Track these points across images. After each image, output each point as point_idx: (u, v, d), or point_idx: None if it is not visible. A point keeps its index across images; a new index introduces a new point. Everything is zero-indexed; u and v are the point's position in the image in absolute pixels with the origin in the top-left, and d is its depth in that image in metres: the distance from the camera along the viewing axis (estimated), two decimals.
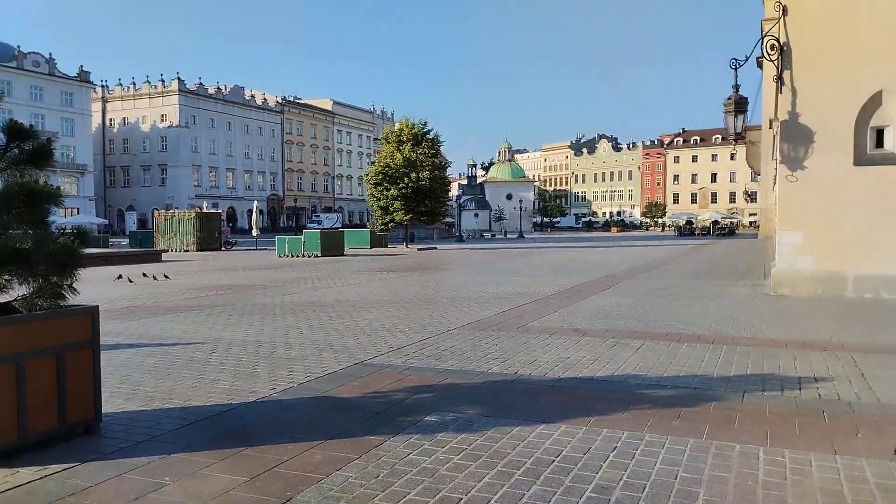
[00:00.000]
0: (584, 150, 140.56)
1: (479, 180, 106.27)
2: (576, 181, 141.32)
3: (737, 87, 13.97)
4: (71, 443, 4.46)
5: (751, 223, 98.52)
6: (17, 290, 4.58)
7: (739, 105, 13.98)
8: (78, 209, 67.86)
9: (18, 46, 66.55)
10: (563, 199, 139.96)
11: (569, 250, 34.55)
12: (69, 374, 4.51)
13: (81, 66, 72.74)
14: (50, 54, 69.22)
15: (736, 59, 14.05)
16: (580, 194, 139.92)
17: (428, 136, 39.74)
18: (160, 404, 5.44)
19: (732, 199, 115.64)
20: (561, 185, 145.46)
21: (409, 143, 38.31)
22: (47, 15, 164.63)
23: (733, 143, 17.76)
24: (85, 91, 73.01)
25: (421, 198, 37.17)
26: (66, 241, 4.65)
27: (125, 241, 43.55)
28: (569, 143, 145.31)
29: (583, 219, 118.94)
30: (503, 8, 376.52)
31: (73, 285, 4.73)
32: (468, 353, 7.45)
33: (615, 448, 4.32)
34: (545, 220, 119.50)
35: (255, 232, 41.24)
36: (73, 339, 4.59)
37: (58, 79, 69.51)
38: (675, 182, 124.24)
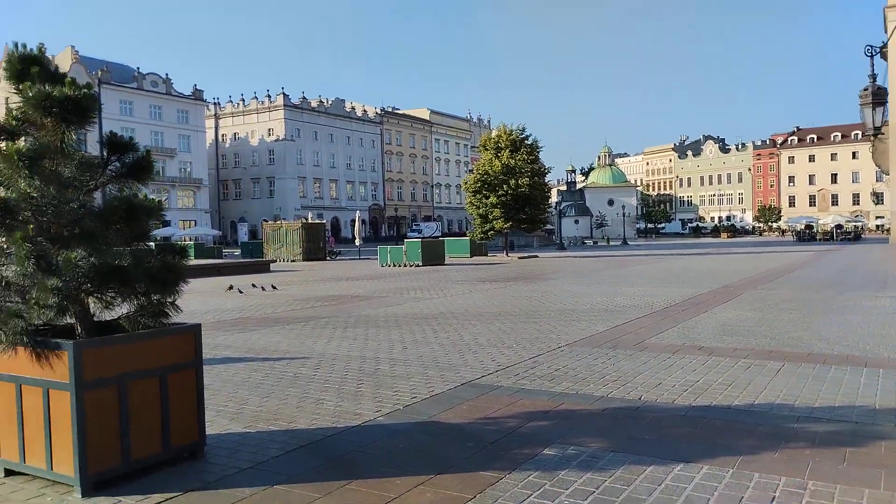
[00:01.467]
0: (689, 153, 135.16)
1: (578, 186, 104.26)
2: (680, 185, 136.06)
3: (873, 76, 12.65)
4: (175, 468, 4.28)
5: (878, 227, 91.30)
6: (122, 308, 4.47)
7: (878, 96, 12.64)
8: (195, 221, 71.72)
9: (138, 68, 71.20)
10: (668, 204, 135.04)
11: (678, 258, 32.94)
12: (172, 397, 4.34)
13: (195, 85, 77.05)
14: (167, 74, 73.67)
15: (872, 46, 12.76)
16: (685, 199, 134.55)
17: (526, 141, 39.11)
18: (265, 426, 5.23)
19: (856, 200, 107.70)
20: (665, 189, 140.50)
21: (507, 150, 37.84)
22: (164, 37, 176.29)
23: (872, 138, 16.16)
24: (199, 108, 77.22)
25: (520, 205, 36.59)
26: (167, 257, 4.52)
27: (237, 252, 45.43)
28: (672, 146, 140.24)
29: (689, 224, 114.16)
30: (601, 7, 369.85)
31: (176, 302, 4.59)
32: (583, 373, 6.88)
33: (774, 499, 3.67)
34: (649, 226, 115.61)
35: (357, 241, 41.96)
36: (175, 359, 4.42)
37: (174, 98, 73.82)
38: (791, 184, 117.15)
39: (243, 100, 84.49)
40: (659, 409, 5.54)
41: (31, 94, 4.03)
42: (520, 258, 34.98)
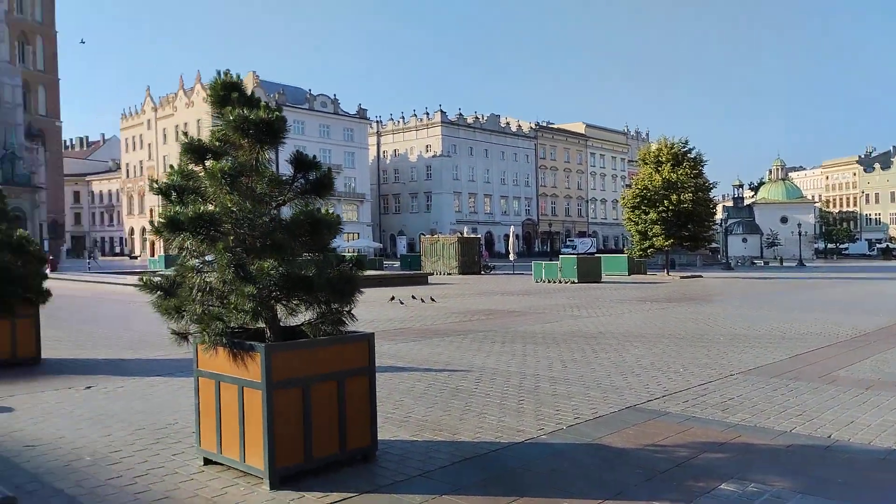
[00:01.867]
0: (877, 166, 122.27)
1: (747, 202, 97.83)
2: (867, 201, 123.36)
3: None
4: (349, 470, 4.48)
5: None
6: (303, 316, 4.76)
7: None
8: (358, 234, 75.58)
9: (309, 90, 76.53)
10: (852, 223, 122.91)
11: (866, 282, 29.83)
12: (349, 401, 4.56)
13: (360, 105, 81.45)
14: (334, 95, 78.51)
15: None
16: (872, 217, 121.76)
17: (689, 155, 37.34)
18: (430, 436, 5.34)
19: None
20: (847, 205, 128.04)
21: (668, 164, 36.31)
22: (333, 61, 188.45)
23: None
24: (363, 127, 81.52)
25: (683, 221, 34.90)
26: (345, 268, 4.77)
27: (397, 264, 47.25)
28: (856, 158, 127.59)
29: (877, 245, 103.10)
30: (772, 6, 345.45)
31: (352, 311, 4.83)
32: (761, 405, 6.38)
33: None
34: (829, 246, 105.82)
35: (511, 256, 42.11)
36: (352, 365, 4.65)
37: (341, 117, 78.48)
38: None
39: (403, 117, 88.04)
40: (852, 449, 5.00)
41: (231, 118, 4.44)
42: (682, 277, 33.34)
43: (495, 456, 4.84)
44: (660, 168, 36.26)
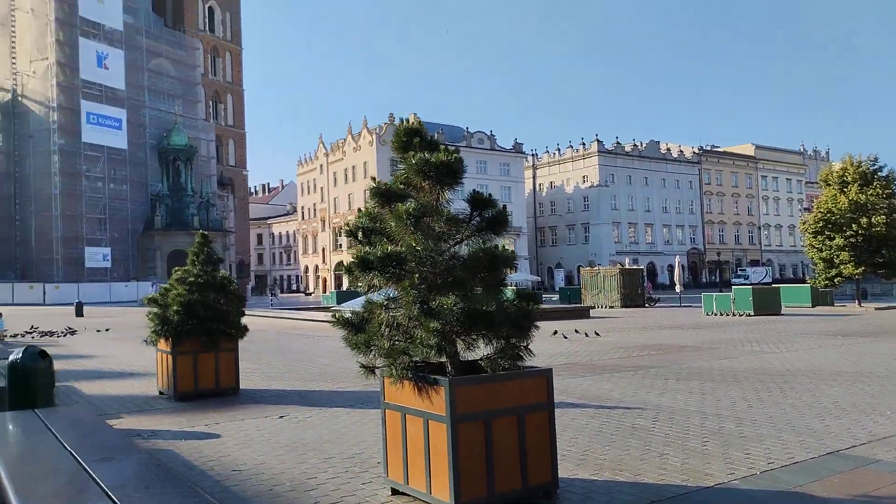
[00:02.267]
0: None
1: None
2: None
3: None
4: None
5: None
6: (480, 350, 4.86)
7: None
8: (516, 267, 75.86)
9: (467, 127, 78.74)
10: None
11: None
12: (529, 436, 4.57)
13: (515, 139, 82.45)
14: (490, 131, 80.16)
15: None
16: None
17: (880, 173, 33.83)
18: (611, 475, 5.20)
19: None
20: None
21: (855, 184, 33.09)
22: (488, 97, 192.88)
23: None
24: (518, 161, 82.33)
25: (875, 247, 31.52)
26: (522, 303, 4.83)
27: (555, 297, 46.80)
28: None
29: None
30: None
31: (529, 346, 4.86)
32: None
33: None
34: None
35: (678, 288, 40.23)
36: (531, 400, 4.67)
37: (497, 152, 79.84)
38: None
39: (559, 149, 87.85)
40: None
41: (414, 162, 4.70)
42: (877, 309, 30.03)
43: (684, 500, 4.61)
44: (845, 189, 33.17)
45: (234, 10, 70.79)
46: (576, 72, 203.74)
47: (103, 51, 55.36)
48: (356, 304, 27.67)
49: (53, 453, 4.87)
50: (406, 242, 4.52)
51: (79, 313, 32.65)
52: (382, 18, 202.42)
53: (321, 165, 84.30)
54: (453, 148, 4.79)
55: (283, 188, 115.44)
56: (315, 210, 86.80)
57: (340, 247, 78.87)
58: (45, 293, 49.74)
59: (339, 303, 37.94)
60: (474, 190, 4.80)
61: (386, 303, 4.63)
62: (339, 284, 75.09)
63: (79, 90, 53.70)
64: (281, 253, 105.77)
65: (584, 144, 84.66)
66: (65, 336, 21.02)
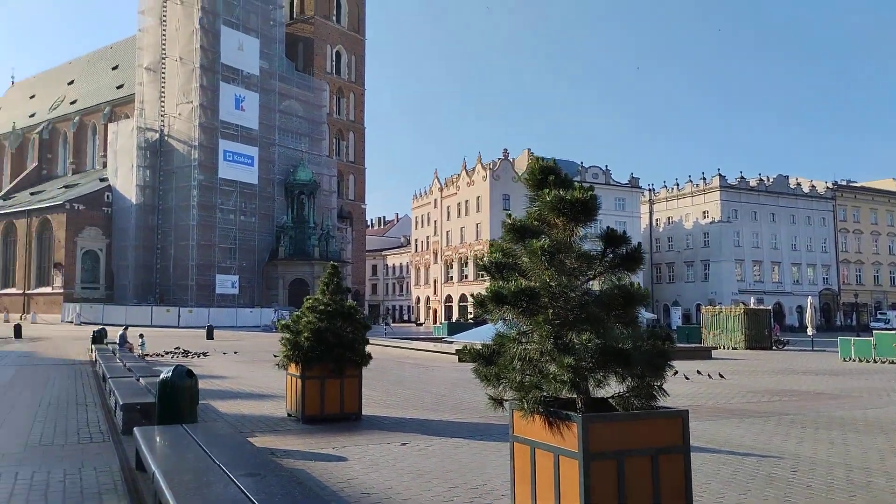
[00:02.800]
0: None
1: None
2: None
3: None
4: None
5: None
6: (610, 388, 4.81)
7: None
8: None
9: (581, 162, 78.03)
10: None
11: None
12: (662, 478, 4.46)
13: (632, 174, 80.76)
14: (606, 166, 79.00)
15: None
16: None
17: None
18: None
19: None
20: None
21: None
22: (603, 131, 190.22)
23: None
24: (635, 195, 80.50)
25: None
26: (656, 341, 4.76)
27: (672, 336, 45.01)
28: None
29: None
30: None
31: (663, 386, 4.77)
32: None
33: None
34: None
35: (809, 330, 37.63)
36: (665, 441, 4.56)
37: (612, 187, 78.48)
38: None
39: (677, 184, 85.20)
40: None
41: (548, 199, 4.79)
42: None
43: None
44: None
45: (359, 54, 74.47)
46: (694, 103, 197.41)
47: (241, 94, 59.72)
48: (469, 336, 27.71)
49: (204, 466, 5.27)
50: (539, 278, 4.60)
51: (209, 336, 34.86)
52: (496, 55, 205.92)
53: (435, 199, 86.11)
54: (588, 185, 4.84)
55: (398, 221, 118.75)
56: (428, 243, 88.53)
57: (451, 279, 79.83)
58: (179, 316, 53.46)
59: (450, 334, 38.33)
60: (608, 227, 4.82)
61: (518, 336, 4.71)
62: (449, 316, 75.87)
63: (218, 130, 58.08)
64: (394, 284, 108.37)
65: (704, 179, 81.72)
66: (198, 357, 22.48)
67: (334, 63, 72.06)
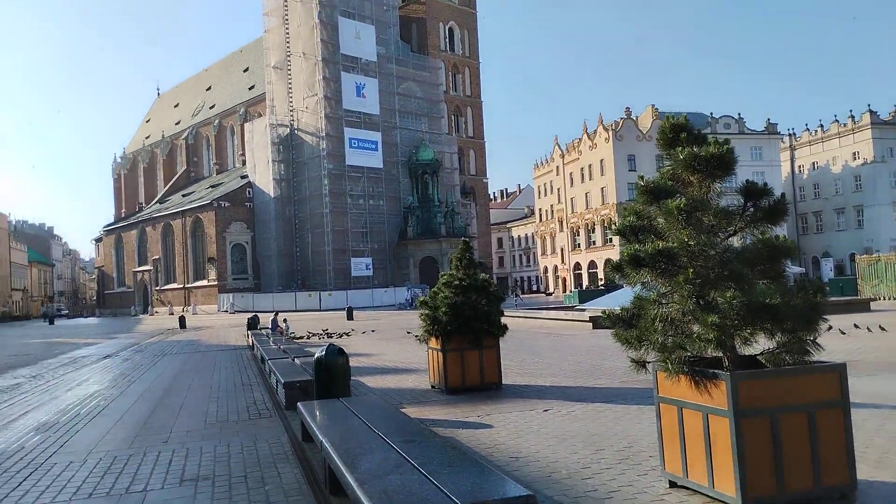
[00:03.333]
0: None
1: None
2: None
3: None
4: None
5: None
6: (759, 345, 4.69)
7: None
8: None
9: (711, 113, 73.93)
10: None
11: None
12: (821, 434, 4.34)
13: (768, 119, 75.48)
14: (738, 114, 74.34)
15: None
16: None
17: None
18: None
19: None
20: None
21: None
22: (733, 82, 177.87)
23: None
24: (773, 143, 75.25)
25: None
26: (807, 295, 4.58)
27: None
28: None
29: None
30: None
31: (816, 340, 4.60)
32: None
33: None
34: None
35: None
36: (822, 397, 4.42)
37: (747, 136, 73.80)
38: None
39: (821, 126, 78.68)
40: None
41: (681, 157, 4.71)
42: None
43: None
44: None
45: (471, 28, 74.44)
46: (833, 30, 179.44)
47: (361, 81, 61.63)
48: (602, 303, 27.22)
49: (366, 435, 5.69)
50: (677, 238, 4.56)
51: (349, 317, 36.69)
52: (613, 13, 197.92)
53: (557, 167, 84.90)
54: (722, 139, 4.71)
55: (520, 192, 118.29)
56: (552, 211, 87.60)
57: (579, 246, 78.68)
58: (320, 300, 56.56)
59: (581, 302, 37.94)
60: (747, 180, 4.68)
61: (658, 298, 4.70)
62: (578, 283, 74.96)
63: (342, 119, 60.35)
64: (520, 255, 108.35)
65: (852, 117, 74.93)
66: (340, 337, 23.76)
67: (447, 40, 72.48)
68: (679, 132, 4.82)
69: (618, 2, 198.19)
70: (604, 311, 5.13)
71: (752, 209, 4.74)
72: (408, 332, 20.18)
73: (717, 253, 4.60)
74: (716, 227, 4.69)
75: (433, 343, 10.45)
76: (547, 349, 16.29)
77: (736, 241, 4.82)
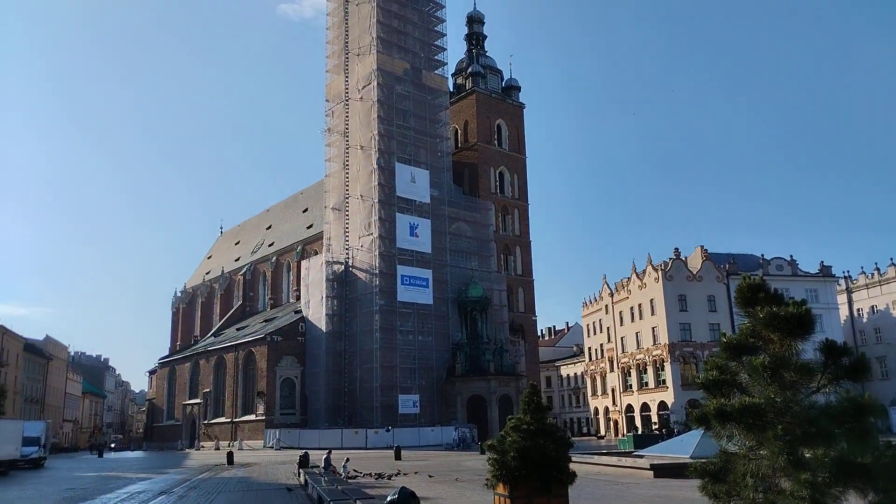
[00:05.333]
0: None
1: None
2: None
3: None
4: None
5: None
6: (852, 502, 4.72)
7: None
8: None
9: (762, 254, 73.67)
10: None
11: None
12: None
13: (822, 262, 74.74)
14: (791, 256, 73.87)
15: None
16: None
17: None
18: None
19: None
20: None
21: None
22: (787, 219, 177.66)
23: None
24: (829, 285, 73.97)
25: None
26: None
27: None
28: None
29: None
30: None
31: None
32: None
33: None
34: None
35: None
36: None
37: (801, 278, 72.86)
38: None
39: (878, 268, 77.40)
40: None
41: (761, 316, 5.01)
42: None
43: None
44: None
45: (520, 172, 77.73)
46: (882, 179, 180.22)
47: (414, 222, 64.17)
48: (661, 450, 26.31)
49: None
50: (763, 394, 4.76)
51: (397, 457, 35.96)
52: (652, 160, 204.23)
53: (606, 305, 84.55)
54: (799, 300, 5.01)
55: (568, 330, 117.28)
56: (602, 350, 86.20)
57: (630, 387, 76.57)
58: (366, 437, 55.67)
59: (636, 447, 36.46)
60: (828, 339, 4.92)
61: (747, 453, 4.83)
62: (631, 426, 72.17)
63: (395, 257, 62.30)
64: (569, 395, 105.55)
65: None
66: (390, 478, 23.31)
67: (498, 183, 75.54)
68: (756, 292, 5.16)
69: (653, 152, 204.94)
70: (690, 465, 5.24)
71: (833, 366, 4.95)
72: (456, 480, 19.81)
73: (802, 409, 4.78)
74: (798, 384, 4.89)
75: (500, 489, 10.34)
76: (612, 497, 15.75)
77: (820, 397, 4.98)
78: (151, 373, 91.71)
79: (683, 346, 70.20)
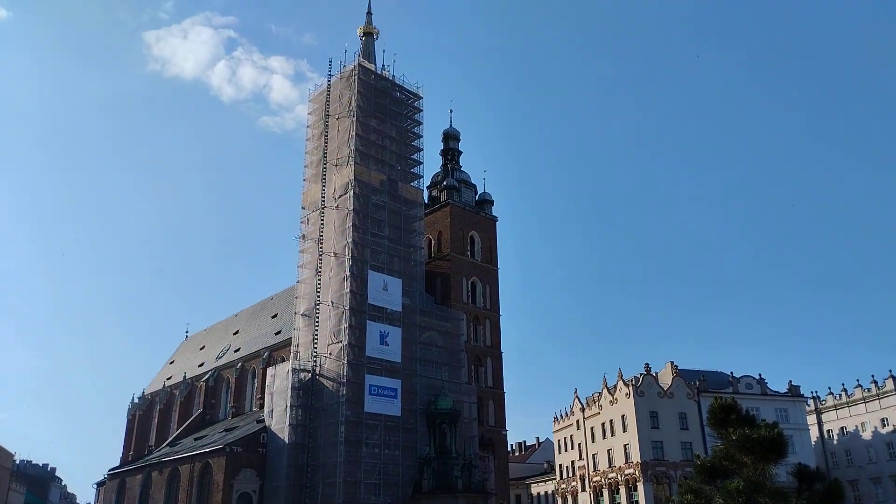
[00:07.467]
0: None
1: None
2: None
3: None
4: None
5: None
6: None
7: None
8: None
9: (731, 372, 73.89)
10: None
11: None
12: None
13: (790, 381, 75.13)
14: (759, 375, 74.21)
15: None
16: None
17: None
18: None
19: None
20: None
21: None
22: (758, 338, 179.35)
23: None
24: (798, 405, 74.04)
25: None
26: None
27: None
28: None
29: None
30: None
31: None
32: None
33: None
34: None
35: None
36: None
37: (770, 398, 72.95)
38: None
39: (845, 390, 77.99)
40: None
41: (734, 438, 4.98)
42: None
43: None
44: None
45: (493, 283, 78.27)
46: (852, 296, 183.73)
47: (385, 330, 63.52)
48: None
49: None
50: None
51: None
52: (619, 276, 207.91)
53: (577, 420, 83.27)
54: (771, 422, 5.00)
55: (539, 446, 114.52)
56: (574, 468, 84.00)
57: None
58: None
59: None
60: (800, 463, 4.89)
61: None
62: None
63: (364, 366, 61.11)
64: None
65: (875, 383, 74.60)
66: None
67: (470, 293, 75.79)
68: (729, 413, 5.17)
69: (629, 274, 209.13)
70: None
71: (807, 492, 4.88)
72: None
73: None
74: None
75: None
76: None
77: None
78: (100, 484, 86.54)
79: (656, 464, 68.86)
